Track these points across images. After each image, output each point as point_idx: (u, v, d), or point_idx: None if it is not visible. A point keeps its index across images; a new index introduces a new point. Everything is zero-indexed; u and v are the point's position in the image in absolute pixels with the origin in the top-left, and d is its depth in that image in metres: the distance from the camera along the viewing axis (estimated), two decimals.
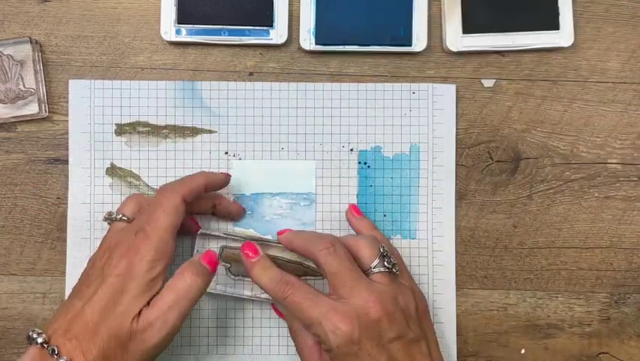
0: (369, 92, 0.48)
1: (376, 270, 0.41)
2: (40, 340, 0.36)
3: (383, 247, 0.42)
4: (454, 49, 0.47)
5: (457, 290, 0.48)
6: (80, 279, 0.40)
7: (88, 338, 0.36)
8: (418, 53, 0.48)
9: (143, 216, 0.41)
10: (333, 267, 0.40)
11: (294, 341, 0.43)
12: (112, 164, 0.48)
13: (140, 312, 0.38)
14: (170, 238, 0.40)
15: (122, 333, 0.37)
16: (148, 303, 0.38)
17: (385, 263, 0.41)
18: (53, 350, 0.36)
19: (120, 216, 0.42)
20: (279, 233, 0.44)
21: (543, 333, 0.48)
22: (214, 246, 0.46)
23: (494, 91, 0.49)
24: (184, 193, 0.41)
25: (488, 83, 0.49)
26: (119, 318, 0.37)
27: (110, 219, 0.43)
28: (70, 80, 0.48)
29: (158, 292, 0.39)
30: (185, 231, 0.46)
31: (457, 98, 0.48)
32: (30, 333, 0.37)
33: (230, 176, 0.46)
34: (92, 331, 0.37)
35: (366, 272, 0.41)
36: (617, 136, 0.48)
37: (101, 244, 0.41)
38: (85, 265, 0.41)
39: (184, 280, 0.39)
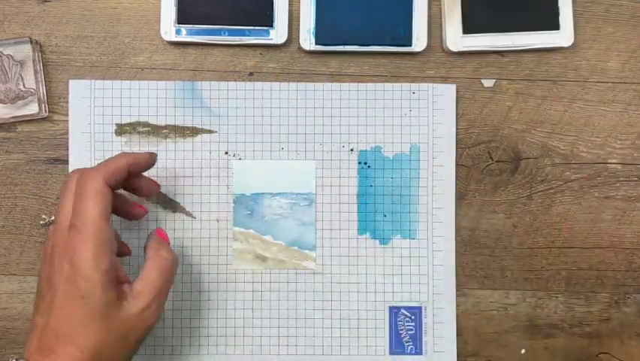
0: (369, 92, 0.48)
1: None
2: None
3: None
4: (454, 49, 0.47)
5: (457, 290, 0.48)
6: (36, 294, 0.39)
7: (64, 349, 0.36)
8: (418, 53, 0.48)
9: (65, 210, 0.38)
10: None
11: None
12: None
13: (121, 302, 0.37)
14: (104, 225, 0.37)
15: (112, 332, 0.36)
16: (119, 295, 0.37)
17: None
18: None
19: (52, 218, 0.41)
20: None
21: (543, 333, 0.48)
22: None
23: (494, 91, 0.49)
24: (106, 176, 0.38)
25: (488, 83, 0.49)
26: (98, 322, 0.36)
27: (46, 225, 0.41)
28: (70, 80, 0.48)
29: (125, 281, 0.38)
30: (132, 216, 0.44)
31: (457, 98, 0.48)
32: (10, 359, 0.37)
33: (155, 155, 0.42)
34: (65, 342, 0.36)
35: None
36: (617, 136, 0.48)
37: (43, 254, 0.39)
38: None
39: (166, 260, 0.39)
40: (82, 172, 0.39)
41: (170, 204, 0.48)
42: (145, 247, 0.42)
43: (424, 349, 0.47)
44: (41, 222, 0.41)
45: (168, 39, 0.47)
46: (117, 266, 0.38)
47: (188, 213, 0.48)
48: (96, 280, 0.36)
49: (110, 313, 0.37)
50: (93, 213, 0.37)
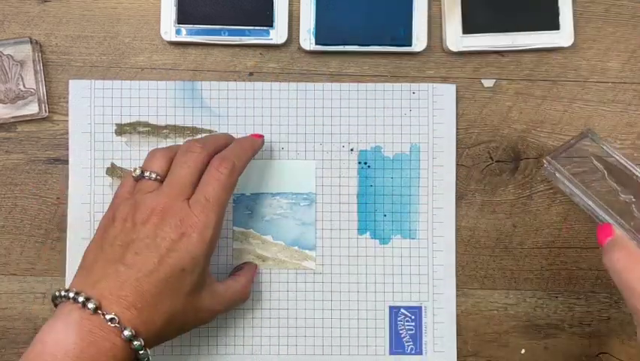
0: (369, 92, 0.48)
1: None
2: (90, 305, 0.34)
3: None
4: (454, 49, 0.47)
5: (457, 290, 0.48)
6: (109, 233, 0.38)
7: (147, 310, 0.35)
8: (418, 53, 0.48)
9: (185, 181, 0.39)
10: None
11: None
12: (112, 164, 0.48)
13: (201, 291, 0.39)
14: (224, 215, 0.40)
15: (187, 313, 0.38)
16: (204, 282, 0.40)
17: None
18: (113, 319, 0.34)
19: (155, 175, 0.40)
20: None
21: (543, 333, 0.48)
22: None
23: (494, 91, 0.49)
24: (241, 170, 0.42)
25: (488, 83, 0.49)
26: (183, 298, 0.37)
27: (141, 177, 0.40)
28: (70, 80, 0.48)
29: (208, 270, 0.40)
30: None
31: (457, 98, 0.48)
32: (69, 293, 0.35)
33: (263, 137, 0.46)
34: (150, 304, 0.36)
35: None
36: (617, 136, 0.48)
37: (137, 204, 0.38)
38: None
39: (244, 294, 0.44)
40: (226, 163, 0.40)
41: None
42: (244, 264, 0.47)
43: (424, 349, 0.47)
44: (134, 173, 0.40)
45: (168, 39, 0.47)
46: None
47: None
48: (202, 261, 0.38)
49: (193, 294, 0.38)
50: (224, 202, 0.40)
